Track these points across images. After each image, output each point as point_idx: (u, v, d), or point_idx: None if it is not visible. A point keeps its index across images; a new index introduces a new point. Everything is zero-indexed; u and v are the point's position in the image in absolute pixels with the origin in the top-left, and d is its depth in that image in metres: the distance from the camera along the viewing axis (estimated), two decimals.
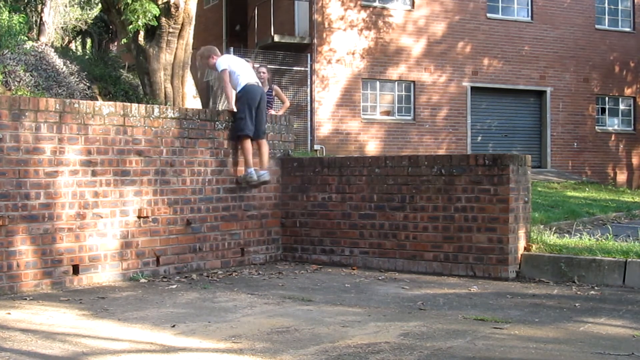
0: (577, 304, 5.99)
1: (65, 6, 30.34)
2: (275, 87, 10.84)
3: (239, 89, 8.31)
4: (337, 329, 5.07)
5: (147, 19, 15.68)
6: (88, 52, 30.14)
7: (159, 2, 16.11)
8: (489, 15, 21.52)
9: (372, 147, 19.87)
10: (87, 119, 6.97)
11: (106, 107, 7.20)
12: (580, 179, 21.04)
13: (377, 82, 20.25)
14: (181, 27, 16.66)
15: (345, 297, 6.34)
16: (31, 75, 16.51)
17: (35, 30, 26.32)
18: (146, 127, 7.44)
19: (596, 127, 23.17)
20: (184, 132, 7.77)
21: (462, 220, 7.51)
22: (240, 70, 8.39)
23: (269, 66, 14.01)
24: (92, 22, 30.28)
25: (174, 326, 5.15)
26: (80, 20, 30.79)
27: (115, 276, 7.16)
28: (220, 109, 18.89)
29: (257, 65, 11.51)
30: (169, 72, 16.83)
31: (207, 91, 23.44)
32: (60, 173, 6.76)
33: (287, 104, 10.91)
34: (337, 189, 8.37)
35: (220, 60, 8.45)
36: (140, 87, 18.57)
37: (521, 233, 7.43)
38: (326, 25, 19.53)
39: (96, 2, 28.29)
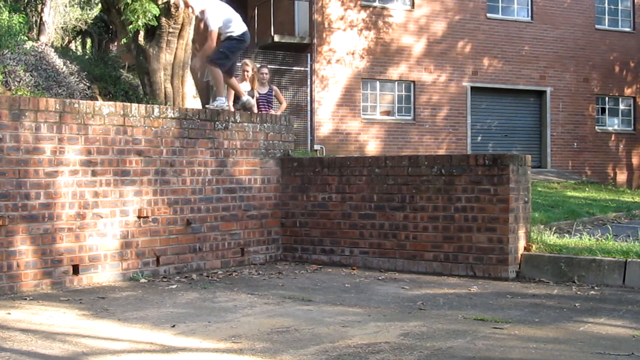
0: (577, 304, 5.99)
1: (65, 6, 30.33)
2: (275, 88, 10.85)
3: (237, 33, 8.48)
4: (337, 329, 5.07)
5: (147, 19, 15.67)
6: (88, 52, 30.14)
7: (159, 2, 16.11)
8: (489, 15, 21.51)
9: (372, 147, 19.86)
10: (87, 119, 6.97)
11: (106, 107, 7.20)
12: (580, 179, 21.04)
13: (377, 82, 20.25)
14: (181, 27, 16.66)
15: (345, 297, 6.34)
16: (31, 75, 16.50)
17: (35, 30, 26.31)
18: (146, 127, 7.44)
19: (596, 127, 23.16)
20: (184, 132, 7.77)
21: (462, 220, 7.51)
22: (232, 15, 8.54)
23: (269, 66, 14.00)
24: (92, 22, 30.28)
25: (174, 326, 5.15)
26: (80, 20, 30.79)
27: (115, 276, 7.16)
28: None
29: (258, 66, 11.51)
30: (169, 72, 16.83)
31: (207, 91, 23.44)
32: (60, 173, 6.76)
33: (285, 105, 10.94)
34: (337, 189, 8.37)
35: (209, 13, 8.25)
36: (140, 87, 18.56)
37: (521, 233, 7.43)
38: (326, 25, 19.52)
39: (96, 2, 28.28)
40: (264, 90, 10.41)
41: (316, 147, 18.97)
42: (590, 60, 22.94)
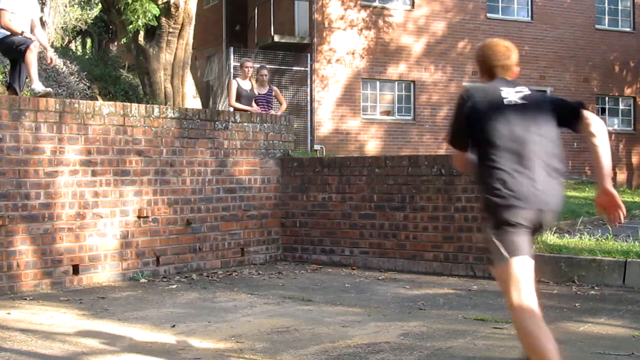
0: (577, 304, 5.99)
1: (65, 6, 30.33)
2: (275, 88, 10.85)
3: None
4: (337, 329, 5.07)
5: (147, 19, 15.67)
6: (88, 52, 30.15)
7: (159, 2, 16.11)
8: (489, 15, 21.49)
9: (372, 147, 19.85)
10: (87, 119, 6.97)
11: (106, 107, 7.20)
12: (580, 179, 21.02)
13: (377, 82, 20.24)
14: (181, 27, 16.66)
15: (345, 297, 6.34)
16: None
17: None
18: (146, 127, 7.44)
19: None
20: (184, 132, 7.77)
21: (462, 220, 7.50)
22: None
23: (269, 66, 14.01)
24: (92, 22, 30.28)
25: (174, 326, 5.15)
26: (80, 20, 30.79)
27: (115, 276, 7.16)
28: (220, 109, 18.90)
29: (257, 66, 11.52)
30: (169, 72, 16.83)
31: (207, 91, 23.43)
32: (60, 173, 6.76)
33: (285, 105, 10.93)
34: (337, 189, 8.37)
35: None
36: (140, 87, 18.57)
37: None
38: (326, 25, 19.52)
39: (96, 2, 28.29)
40: (264, 90, 10.41)
41: (316, 147, 18.96)
42: (590, 60, 22.92)
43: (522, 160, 3.33)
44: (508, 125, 3.36)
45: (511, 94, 3.43)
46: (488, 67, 3.60)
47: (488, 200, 3.38)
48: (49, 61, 8.31)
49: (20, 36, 7.52)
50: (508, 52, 3.64)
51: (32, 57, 7.50)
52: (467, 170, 3.69)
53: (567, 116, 3.59)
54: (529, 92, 3.51)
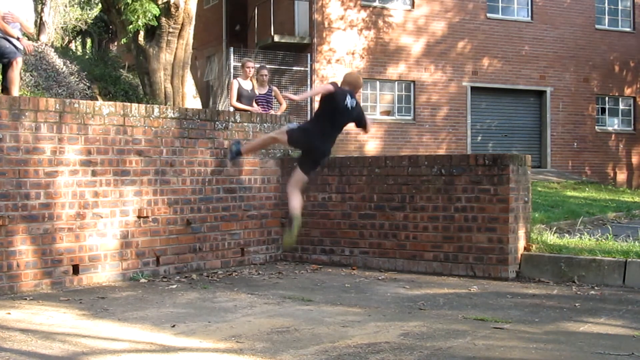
0: (577, 304, 5.99)
1: (65, 6, 30.36)
2: (275, 88, 10.85)
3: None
4: (337, 329, 5.07)
5: (147, 19, 15.68)
6: (88, 52, 30.17)
7: (159, 2, 16.11)
8: (488, 15, 21.49)
9: (372, 147, 19.86)
10: (87, 119, 6.97)
11: (106, 107, 7.20)
12: (580, 179, 21.02)
13: (377, 82, 20.24)
14: (181, 27, 16.66)
15: (345, 297, 6.34)
16: (31, 75, 16.51)
17: (35, 30, 26.33)
18: (146, 127, 7.44)
19: (596, 127, 23.15)
20: (184, 132, 7.77)
21: (462, 220, 7.50)
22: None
23: (269, 66, 14.01)
24: (92, 22, 30.32)
25: (174, 326, 5.15)
26: (80, 20, 30.82)
27: (115, 276, 7.16)
28: (220, 109, 18.89)
29: (257, 66, 11.51)
30: (169, 72, 16.83)
31: (207, 91, 23.43)
32: (60, 173, 6.76)
33: (285, 105, 10.93)
34: (337, 189, 8.37)
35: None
36: (140, 87, 18.57)
37: (521, 233, 7.43)
38: (326, 25, 19.52)
39: (96, 2, 28.30)
40: (264, 90, 10.42)
41: None
42: (590, 60, 22.92)
43: (329, 127, 6.53)
44: (337, 113, 6.46)
45: (348, 101, 6.47)
46: (347, 82, 6.61)
47: (305, 137, 6.58)
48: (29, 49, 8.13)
49: (8, 44, 7.60)
50: (359, 79, 6.72)
51: (14, 75, 7.67)
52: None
53: (361, 122, 6.81)
54: (355, 105, 6.54)
